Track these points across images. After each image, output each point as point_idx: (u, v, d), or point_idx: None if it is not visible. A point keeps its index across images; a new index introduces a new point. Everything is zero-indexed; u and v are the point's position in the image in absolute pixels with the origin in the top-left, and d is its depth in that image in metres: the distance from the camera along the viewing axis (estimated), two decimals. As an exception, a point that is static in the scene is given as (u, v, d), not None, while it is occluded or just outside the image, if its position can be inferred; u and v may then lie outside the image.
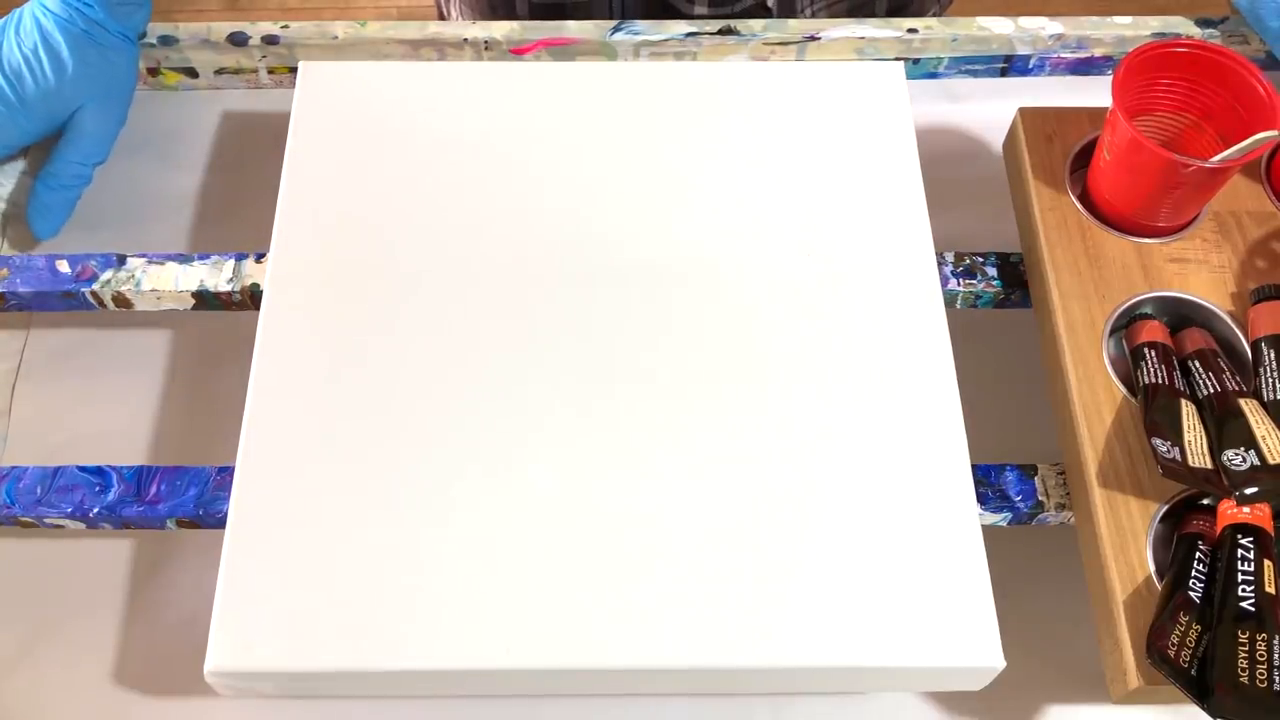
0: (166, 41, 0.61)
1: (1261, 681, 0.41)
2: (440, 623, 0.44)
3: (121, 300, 0.54)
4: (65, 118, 0.57)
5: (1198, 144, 0.53)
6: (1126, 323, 0.51)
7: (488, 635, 0.43)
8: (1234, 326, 0.51)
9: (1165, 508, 0.46)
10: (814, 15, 0.69)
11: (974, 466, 0.49)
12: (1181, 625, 0.43)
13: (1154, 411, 0.47)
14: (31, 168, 0.60)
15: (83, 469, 0.50)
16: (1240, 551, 0.44)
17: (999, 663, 0.44)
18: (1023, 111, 0.57)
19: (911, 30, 0.62)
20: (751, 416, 0.48)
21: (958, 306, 0.56)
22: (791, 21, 0.62)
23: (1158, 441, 0.46)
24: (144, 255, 0.55)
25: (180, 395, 0.56)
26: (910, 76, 0.63)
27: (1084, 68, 0.64)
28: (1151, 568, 0.45)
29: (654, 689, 0.48)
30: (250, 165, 0.62)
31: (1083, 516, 0.48)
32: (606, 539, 0.45)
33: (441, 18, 0.79)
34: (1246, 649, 0.42)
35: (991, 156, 0.64)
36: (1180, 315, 0.52)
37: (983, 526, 0.47)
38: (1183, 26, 0.63)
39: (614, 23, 0.62)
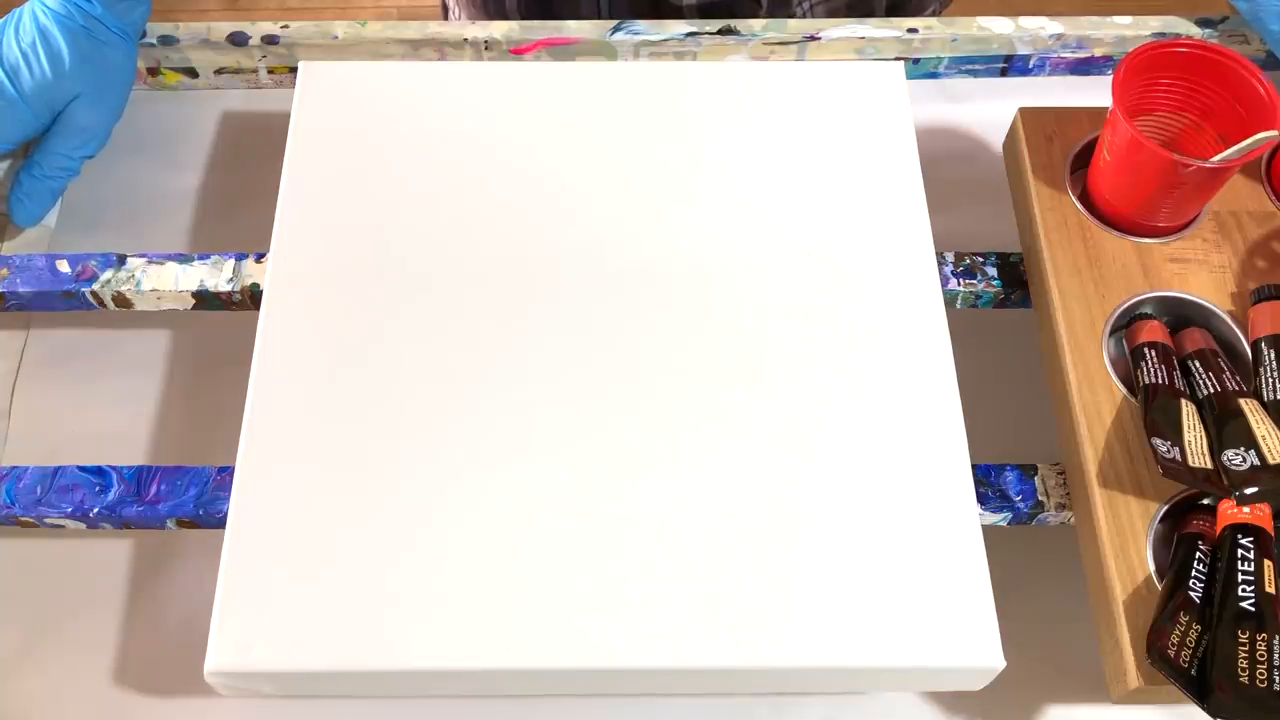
0: (166, 41, 0.61)
1: (1261, 681, 0.41)
2: (440, 623, 0.44)
3: (121, 300, 0.54)
4: (62, 110, 0.57)
5: (1198, 144, 0.53)
6: (1126, 323, 0.51)
7: (487, 635, 0.43)
8: (1234, 326, 0.51)
9: (1165, 508, 0.46)
10: (811, 10, 0.69)
11: (974, 466, 0.49)
12: (1181, 625, 0.43)
13: (1154, 411, 0.47)
14: (23, 158, 0.60)
15: (83, 469, 0.50)
16: (1240, 551, 0.44)
17: (999, 663, 0.44)
18: (1023, 111, 0.57)
19: (911, 30, 0.62)
20: (750, 416, 0.48)
21: (958, 306, 0.56)
22: (791, 21, 0.62)
23: (1158, 441, 0.46)
24: (144, 255, 0.55)
25: (180, 395, 0.56)
26: (910, 76, 0.63)
27: (1084, 68, 0.64)
28: (1151, 568, 0.45)
29: (654, 689, 0.48)
30: (250, 165, 0.62)
31: (1083, 516, 0.48)
32: (606, 539, 0.45)
33: (445, 15, 0.79)
34: (1246, 649, 0.42)
35: (991, 156, 0.64)
36: (1180, 315, 0.52)
37: (983, 526, 0.47)
38: (1183, 26, 0.63)
39: (614, 23, 0.62)
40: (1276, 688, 0.41)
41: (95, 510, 0.49)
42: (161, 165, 0.63)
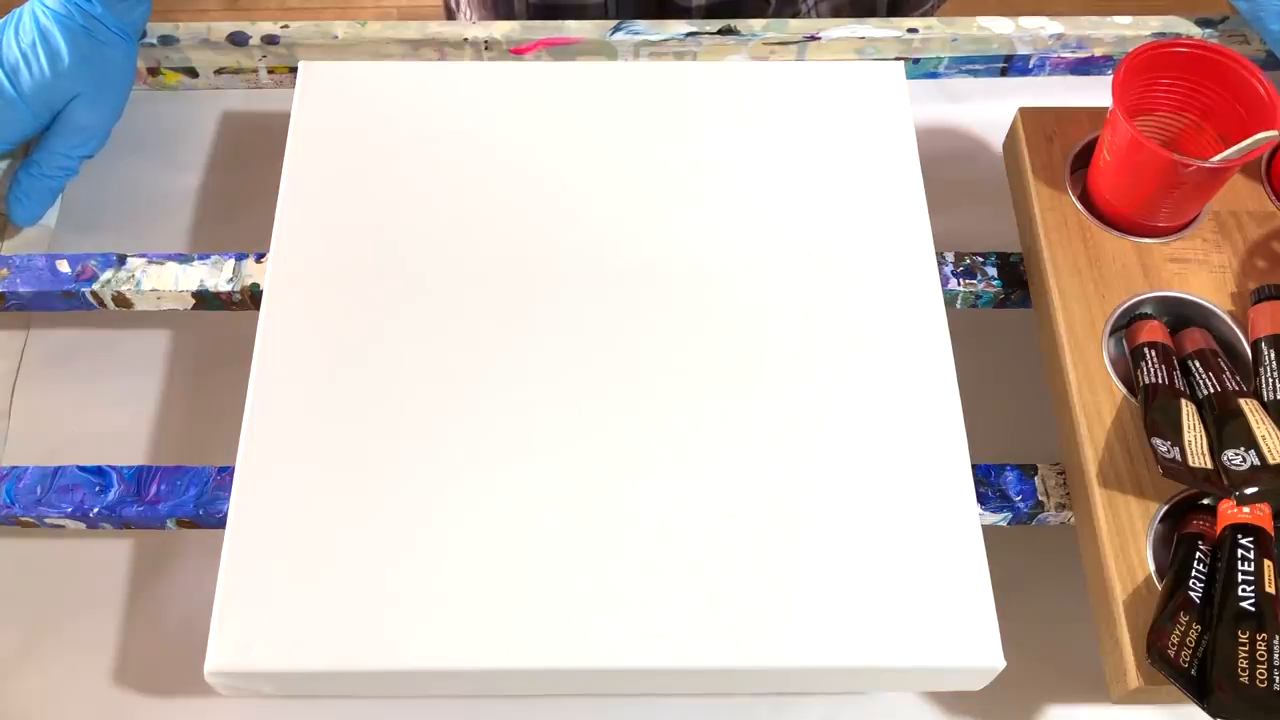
0: (166, 41, 0.61)
1: (1261, 681, 0.41)
2: (440, 623, 0.44)
3: (121, 300, 0.54)
4: (61, 109, 0.57)
5: (1198, 144, 0.53)
6: (1126, 323, 0.51)
7: (487, 635, 0.43)
8: (1234, 326, 0.51)
9: (1165, 508, 0.46)
10: (814, 9, 0.69)
11: (974, 466, 0.49)
12: (1181, 625, 0.43)
13: (1154, 411, 0.47)
14: (22, 157, 0.60)
15: (83, 469, 0.50)
16: (1240, 551, 0.44)
17: (999, 663, 0.44)
18: (1023, 111, 0.57)
19: (911, 30, 0.62)
20: (751, 417, 0.48)
21: (958, 306, 0.56)
22: (791, 21, 0.62)
23: (1158, 441, 0.46)
24: (144, 255, 0.55)
25: (180, 395, 0.56)
26: (910, 76, 0.63)
27: (1084, 68, 0.64)
28: (1151, 568, 0.45)
29: (654, 689, 0.48)
30: (250, 165, 0.62)
31: (1083, 516, 0.48)
32: (606, 539, 0.45)
33: (450, 16, 0.79)
34: (1246, 649, 0.42)
35: (991, 156, 0.64)
36: (1180, 315, 0.52)
37: (983, 526, 0.47)
38: (1183, 26, 0.63)
39: (614, 23, 0.62)
40: (1276, 688, 0.41)
41: (95, 510, 0.49)
42: (161, 165, 0.63)
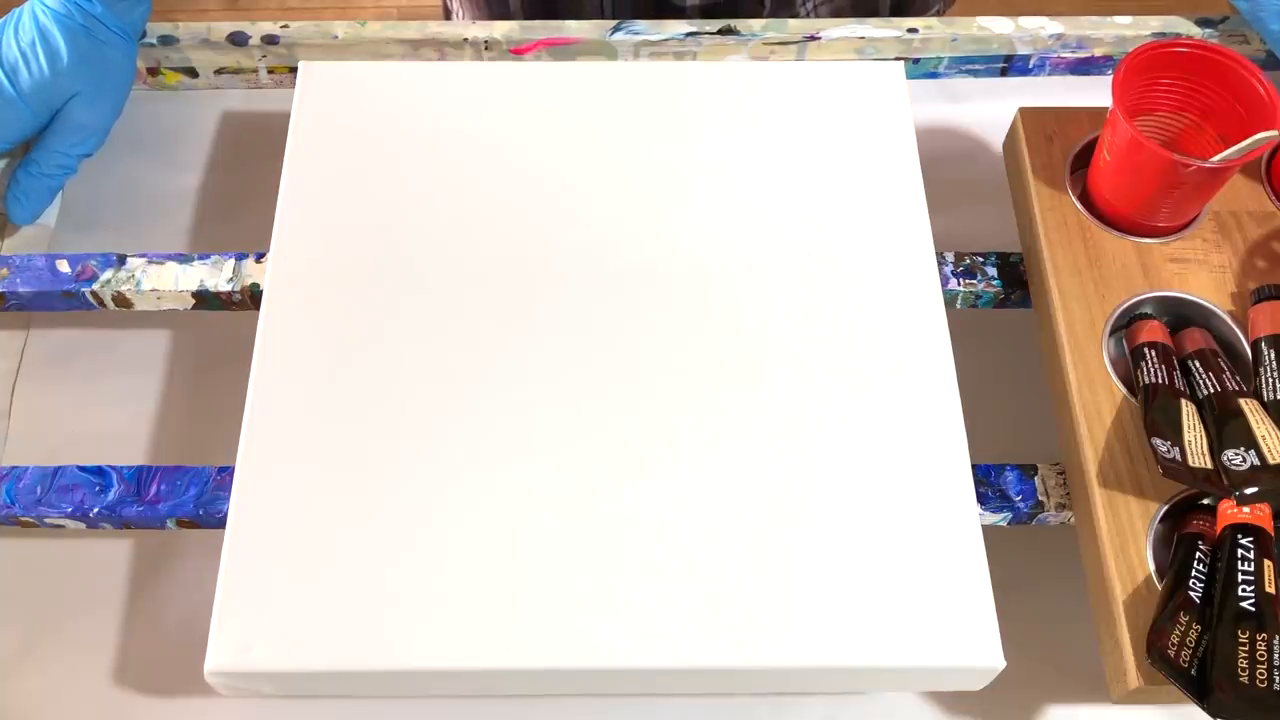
0: (166, 41, 0.61)
1: (1261, 681, 0.41)
2: (440, 623, 0.44)
3: (121, 300, 0.54)
4: (60, 109, 0.57)
5: (1198, 144, 0.53)
6: (1126, 323, 0.52)
7: (487, 635, 0.43)
8: (1234, 326, 0.51)
9: (1165, 508, 0.46)
10: (814, 10, 0.69)
11: (974, 466, 0.49)
12: (1181, 625, 0.43)
13: (1154, 411, 0.47)
14: (21, 156, 0.60)
15: (83, 469, 0.50)
16: (1240, 551, 0.44)
17: (999, 663, 0.44)
18: (1023, 111, 0.57)
19: (911, 30, 0.62)
20: (751, 417, 0.48)
21: (958, 306, 0.56)
22: (791, 21, 0.62)
23: (1158, 441, 0.46)
24: (144, 255, 0.55)
25: (180, 395, 0.56)
26: (910, 76, 0.63)
27: (1084, 68, 0.64)
28: (1151, 568, 0.45)
29: (654, 689, 0.48)
30: (250, 165, 0.62)
31: (1083, 516, 0.48)
32: (606, 539, 0.45)
33: (447, 15, 0.79)
34: (1246, 649, 0.42)
35: (991, 156, 0.64)
36: (1180, 315, 0.52)
37: (983, 526, 0.47)
38: (1183, 26, 0.63)
39: (614, 23, 0.62)
40: (1276, 688, 0.41)
41: (95, 510, 0.49)
42: (161, 165, 0.63)
